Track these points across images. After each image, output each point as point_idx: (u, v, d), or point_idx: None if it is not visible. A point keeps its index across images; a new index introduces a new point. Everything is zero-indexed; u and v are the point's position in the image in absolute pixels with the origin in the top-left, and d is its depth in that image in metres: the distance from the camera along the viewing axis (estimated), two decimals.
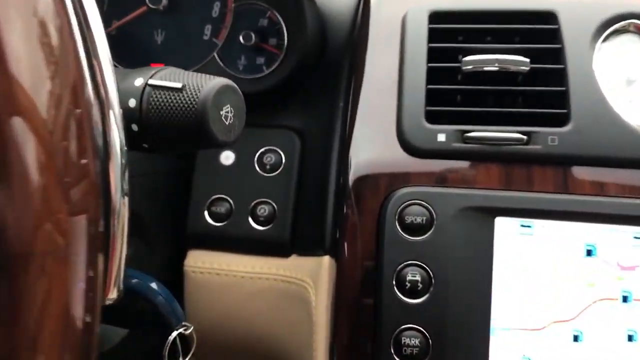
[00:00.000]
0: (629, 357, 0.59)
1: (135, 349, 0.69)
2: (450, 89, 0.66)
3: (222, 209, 0.76)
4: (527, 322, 0.60)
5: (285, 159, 0.77)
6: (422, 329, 0.59)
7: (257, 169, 0.77)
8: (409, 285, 0.59)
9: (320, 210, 0.73)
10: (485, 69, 0.66)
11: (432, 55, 0.68)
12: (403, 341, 0.59)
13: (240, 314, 0.78)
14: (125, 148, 0.37)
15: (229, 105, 0.45)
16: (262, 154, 0.77)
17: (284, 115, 0.79)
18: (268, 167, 0.77)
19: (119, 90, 0.39)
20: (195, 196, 0.77)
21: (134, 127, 0.43)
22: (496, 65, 0.65)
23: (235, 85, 0.47)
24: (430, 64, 0.67)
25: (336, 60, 0.78)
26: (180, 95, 0.42)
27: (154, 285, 0.60)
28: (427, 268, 0.60)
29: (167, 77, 0.44)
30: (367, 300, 0.61)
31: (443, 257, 0.60)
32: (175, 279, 0.78)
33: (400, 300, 0.59)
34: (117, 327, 0.66)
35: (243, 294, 0.77)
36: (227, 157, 0.78)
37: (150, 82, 0.43)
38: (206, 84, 0.43)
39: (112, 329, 0.69)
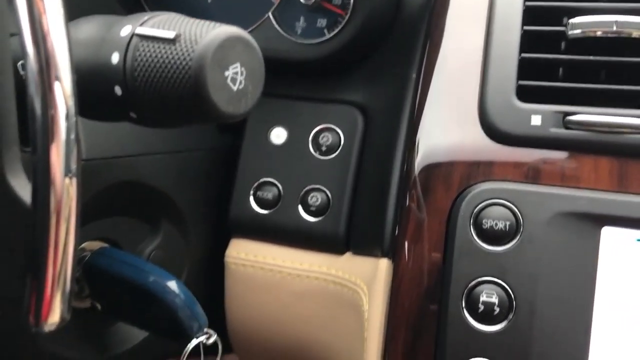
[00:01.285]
0: None
1: (155, 353, 0.61)
2: (551, 59, 0.53)
3: (269, 194, 0.68)
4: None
5: (344, 139, 0.67)
6: None
7: (312, 150, 0.68)
8: (482, 307, 0.48)
9: (381, 202, 0.63)
10: (598, 34, 0.52)
11: (529, 16, 0.56)
12: None
13: (284, 316, 0.71)
14: (75, 119, 0.26)
15: (238, 64, 0.33)
16: (318, 132, 0.68)
17: (346, 88, 0.69)
18: (324, 148, 0.68)
19: (102, 41, 0.28)
20: (241, 178, 0.69)
21: (118, 90, 0.33)
22: (614, 28, 0.51)
23: (249, 37, 0.36)
24: (526, 27, 0.53)
25: (411, 25, 0.67)
26: (173, 48, 0.31)
27: (173, 284, 0.52)
28: (507, 288, 0.48)
29: (161, 25, 0.33)
30: (429, 320, 0.49)
31: (529, 275, 0.48)
32: (214, 274, 0.71)
33: (471, 326, 0.48)
34: (136, 327, 0.59)
35: (288, 294, 0.69)
36: (278, 135, 0.70)
37: (139, 31, 0.32)
38: (207, 34, 0.32)
39: (133, 330, 0.61)
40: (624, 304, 0.48)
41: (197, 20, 0.35)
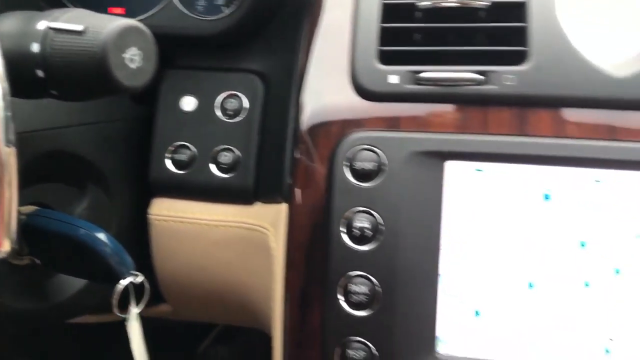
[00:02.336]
0: (584, 304, 0.57)
1: (93, 299, 0.70)
2: (407, 27, 0.63)
3: (184, 156, 0.75)
4: (478, 269, 0.59)
5: (247, 104, 0.75)
6: (370, 277, 0.58)
7: (219, 114, 0.75)
8: (357, 231, 0.58)
9: (280, 157, 0.72)
10: (444, 4, 0.62)
11: None
12: (351, 288, 0.58)
13: (206, 261, 0.79)
14: (9, 97, 0.35)
15: (134, 48, 0.43)
16: (224, 99, 0.76)
17: (247, 58, 0.77)
18: (230, 112, 0.75)
19: (22, 33, 0.37)
20: (156, 143, 0.76)
21: (40, 73, 0.42)
22: (455, 0, 0.62)
23: (143, 26, 0.45)
24: (384, 1, 0.63)
25: (298, 1, 0.75)
26: (82, 38, 0.40)
27: (102, 235, 0.60)
28: (376, 215, 0.58)
29: (71, 20, 0.42)
30: (318, 247, 0.60)
31: (392, 204, 0.58)
32: (141, 231, 0.78)
33: (349, 246, 0.58)
34: (73, 277, 0.66)
35: (207, 243, 0.77)
36: (188, 103, 0.77)
37: (52, 25, 0.40)
38: (108, 26, 0.41)
39: (71, 280, 0.69)
40: (465, 219, 0.60)
41: (100, 15, 0.44)
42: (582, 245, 0.58)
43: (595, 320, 0.57)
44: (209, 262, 0.79)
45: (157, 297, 0.85)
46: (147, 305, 0.75)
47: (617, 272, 0.57)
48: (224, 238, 0.76)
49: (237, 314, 0.88)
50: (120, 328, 0.68)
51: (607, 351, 0.57)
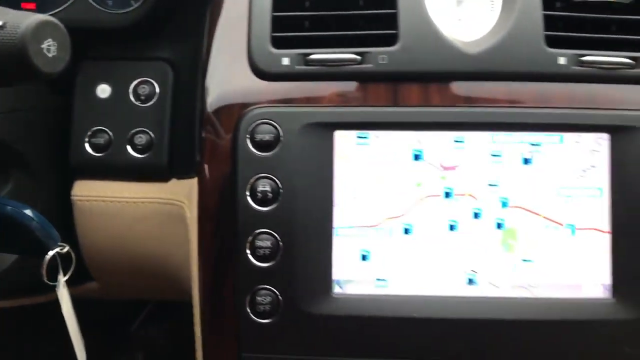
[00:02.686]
0: (451, 244, 0.69)
1: (25, 273, 0.75)
2: (295, 16, 0.72)
3: (101, 140, 0.81)
4: (365, 220, 0.69)
5: (159, 89, 0.82)
6: (273, 233, 0.67)
7: (133, 100, 0.82)
8: (260, 195, 0.67)
9: (192, 137, 0.79)
10: None
11: None
12: (257, 244, 0.67)
13: (128, 237, 0.85)
14: None
15: (50, 39, 0.50)
16: (137, 85, 0.83)
17: (157, 47, 0.84)
18: (143, 97, 0.82)
19: None
20: (75, 129, 0.82)
21: None
22: None
23: (56, 21, 0.52)
24: None
25: None
26: (2, 32, 0.47)
27: (28, 211, 0.66)
28: (275, 180, 0.67)
29: None
30: (226, 213, 0.69)
31: (289, 169, 0.67)
32: (68, 210, 0.84)
33: (254, 208, 0.67)
34: (2, 252, 0.72)
35: (129, 219, 0.84)
36: (103, 90, 0.83)
37: None
38: (25, 21, 0.48)
39: (2, 256, 0.74)
40: (353, 179, 0.70)
41: (19, 12, 0.51)
42: (447, 195, 0.69)
43: (460, 256, 0.69)
44: (131, 237, 0.86)
45: (84, 275, 0.91)
46: (76, 284, 0.81)
47: (477, 216, 0.69)
48: (143, 214, 0.84)
49: (163, 287, 0.95)
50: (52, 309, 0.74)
51: (470, 281, 0.69)
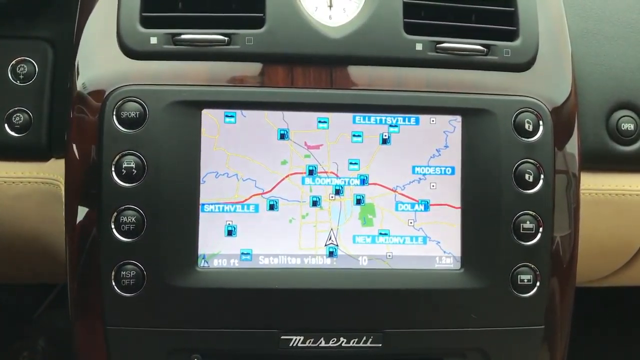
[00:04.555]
0: (314, 218, 0.72)
1: None
2: None
3: None
4: (231, 196, 0.71)
5: (38, 68, 0.82)
6: (137, 208, 0.69)
7: (11, 79, 0.82)
8: (125, 171, 0.68)
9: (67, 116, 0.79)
10: None
11: None
12: (122, 219, 0.68)
13: (7, 217, 0.85)
14: None
15: None
16: (16, 64, 0.82)
17: (37, 26, 0.84)
18: (22, 76, 0.82)
19: None
20: None
21: None
22: None
23: None
24: None
25: None
26: None
27: None
28: (141, 156, 0.69)
29: None
30: (92, 190, 0.70)
31: (155, 147, 0.69)
32: None
33: (118, 184, 0.68)
34: None
35: (7, 198, 0.84)
36: None
37: None
38: None
39: None
40: (220, 157, 0.72)
41: None
42: (311, 173, 0.73)
43: (321, 230, 0.72)
44: (10, 217, 0.86)
45: None
46: None
47: (338, 192, 0.73)
48: (23, 193, 0.84)
49: (39, 271, 0.94)
50: None
51: (330, 254, 0.73)
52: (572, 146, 0.76)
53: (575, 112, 0.76)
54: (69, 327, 0.74)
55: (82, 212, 0.71)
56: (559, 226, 0.73)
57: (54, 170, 0.82)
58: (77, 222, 0.71)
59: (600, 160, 0.85)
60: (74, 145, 0.71)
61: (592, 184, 0.86)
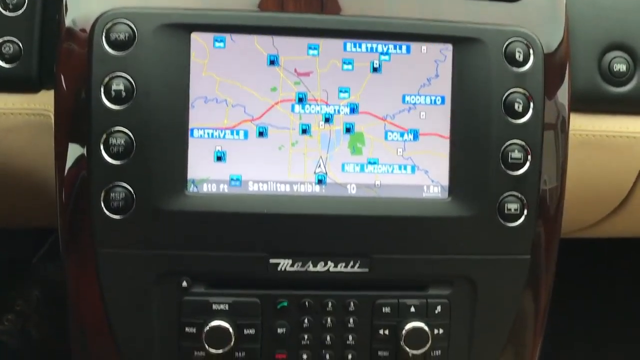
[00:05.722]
0: (303, 146, 0.72)
1: None
2: None
3: None
4: (221, 122, 0.71)
5: None
6: (126, 131, 0.69)
7: (0, 8, 0.80)
8: (114, 93, 0.68)
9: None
10: None
11: None
12: (111, 141, 0.68)
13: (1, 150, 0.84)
14: None
15: None
16: None
17: None
18: (11, 6, 0.80)
19: None
20: None
21: None
22: None
23: None
24: None
25: None
26: None
27: None
28: (129, 79, 0.68)
29: None
30: (81, 114, 0.70)
31: (144, 69, 0.69)
32: None
33: (107, 106, 0.68)
34: None
35: None
36: None
37: None
38: None
39: None
40: (210, 81, 0.71)
41: None
42: (300, 100, 0.72)
43: (311, 158, 0.73)
44: (1, 151, 0.85)
45: None
46: None
47: (328, 120, 0.73)
48: (13, 125, 0.83)
49: (40, 210, 0.94)
50: None
51: (319, 181, 0.73)
52: (563, 79, 0.76)
53: (567, 47, 0.76)
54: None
55: (71, 136, 0.71)
56: (547, 157, 0.73)
57: (44, 101, 0.82)
58: (66, 147, 0.71)
59: (591, 101, 0.85)
60: (62, 76, 0.71)
61: (582, 125, 0.86)
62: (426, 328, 0.72)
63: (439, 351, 0.74)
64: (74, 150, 0.71)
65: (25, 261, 1.50)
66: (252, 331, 0.72)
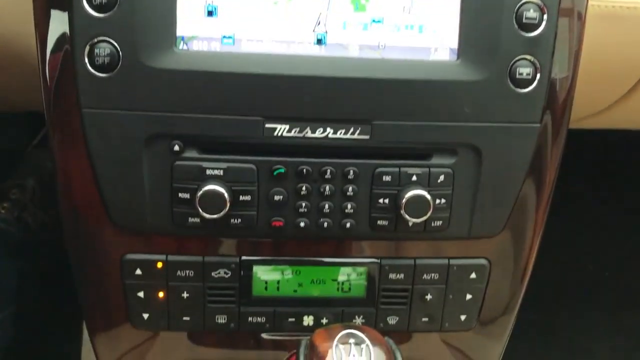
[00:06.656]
0: (301, 3, 0.67)
1: None
2: None
3: None
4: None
5: None
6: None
7: None
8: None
9: None
10: None
11: None
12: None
13: None
14: None
15: None
16: None
17: None
18: None
19: None
20: None
21: None
22: None
23: None
24: None
25: None
26: None
27: None
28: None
29: None
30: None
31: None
32: None
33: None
34: None
35: None
36: None
37: None
38: None
39: None
40: None
41: None
42: None
43: (310, 15, 0.67)
44: None
45: None
46: None
47: None
48: None
49: (25, 85, 0.90)
50: None
51: (319, 41, 0.68)
52: None
53: None
54: None
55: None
56: (563, 18, 0.68)
57: None
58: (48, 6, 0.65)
59: None
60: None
61: None
62: (428, 196, 0.69)
63: (440, 222, 0.72)
64: (55, 4, 0.66)
65: (20, 150, 1.47)
66: (247, 197, 0.69)
